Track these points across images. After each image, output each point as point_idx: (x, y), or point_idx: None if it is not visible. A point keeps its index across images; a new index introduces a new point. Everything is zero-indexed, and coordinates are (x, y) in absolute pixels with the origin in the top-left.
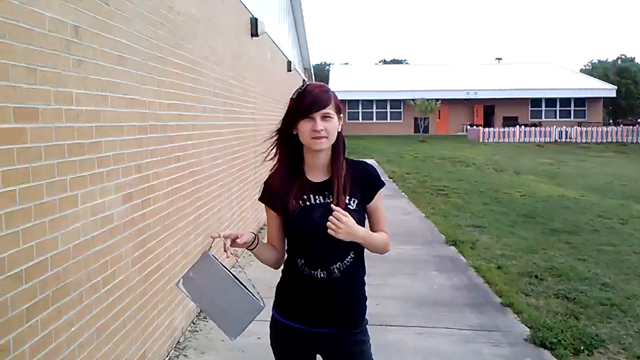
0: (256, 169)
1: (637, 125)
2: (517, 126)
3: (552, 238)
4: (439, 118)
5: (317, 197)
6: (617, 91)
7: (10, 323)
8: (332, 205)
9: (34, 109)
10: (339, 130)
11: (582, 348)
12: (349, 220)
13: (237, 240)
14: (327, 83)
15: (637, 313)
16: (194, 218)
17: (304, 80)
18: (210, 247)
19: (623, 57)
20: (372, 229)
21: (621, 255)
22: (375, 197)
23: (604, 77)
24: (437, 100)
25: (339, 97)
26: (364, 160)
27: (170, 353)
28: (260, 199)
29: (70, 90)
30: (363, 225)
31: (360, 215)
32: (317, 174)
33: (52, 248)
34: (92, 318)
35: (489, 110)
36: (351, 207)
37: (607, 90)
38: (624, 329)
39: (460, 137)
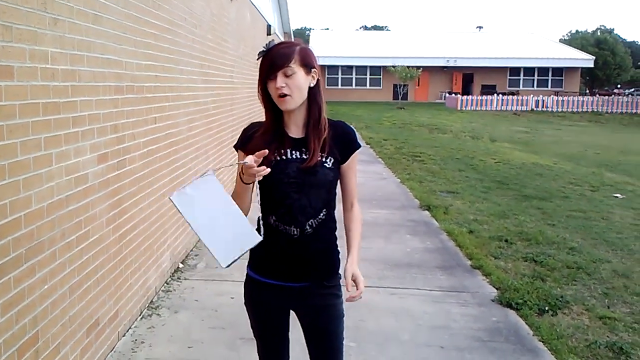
0: (233, 132)
1: (613, 96)
2: (495, 94)
3: (523, 204)
4: (418, 85)
5: (294, 152)
6: (595, 62)
7: None
8: (347, 291)
9: (9, 67)
10: (312, 86)
11: (546, 308)
12: (359, 279)
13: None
14: None
15: (602, 276)
16: (170, 180)
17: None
18: (216, 170)
19: (602, 27)
20: (343, 188)
21: (590, 221)
22: (351, 158)
23: (583, 48)
24: (418, 67)
25: (319, 63)
26: (342, 120)
27: (144, 312)
28: (235, 146)
29: (45, 48)
30: (336, 184)
31: (335, 174)
32: (296, 130)
33: (26, 206)
34: (66, 276)
35: (468, 78)
36: (327, 166)
37: (585, 60)
38: (588, 291)
39: (438, 105)
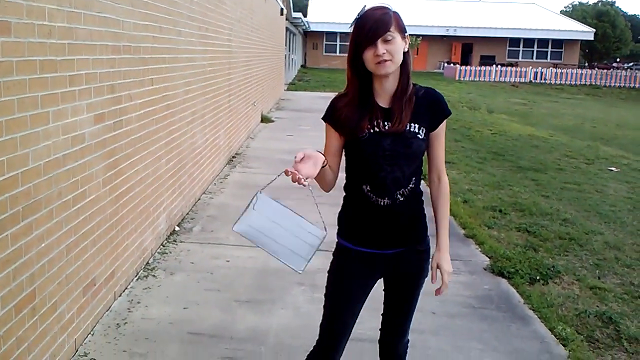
0: (230, 97)
1: (612, 69)
2: (494, 65)
3: (518, 175)
4: (417, 54)
5: (386, 123)
6: (595, 34)
7: None
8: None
9: (6, 22)
10: (405, 50)
11: (537, 278)
12: (449, 271)
13: (314, 164)
14: (305, 13)
15: (593, 247)
16: (166, 143)
17: (290, 7)
18: (262, 190)
19: (603, 0)
20: (431, 158)
21: (584, 193)
22: (440, 126)
23: (583, 20)
24: (418, 36)
25: (316, 29)
26: (431, 87)
27: (140, 273)
28: (324, 119)
29: (43, 5)
30: (424, 152)
31: (426, 143)
32: (386, 99)
33: (23, 164)
34: (63, 235)
35: (467, 48)
36: (420, 137)
37: (585, 32)
38: (579, 262)
39: (436, 74)
